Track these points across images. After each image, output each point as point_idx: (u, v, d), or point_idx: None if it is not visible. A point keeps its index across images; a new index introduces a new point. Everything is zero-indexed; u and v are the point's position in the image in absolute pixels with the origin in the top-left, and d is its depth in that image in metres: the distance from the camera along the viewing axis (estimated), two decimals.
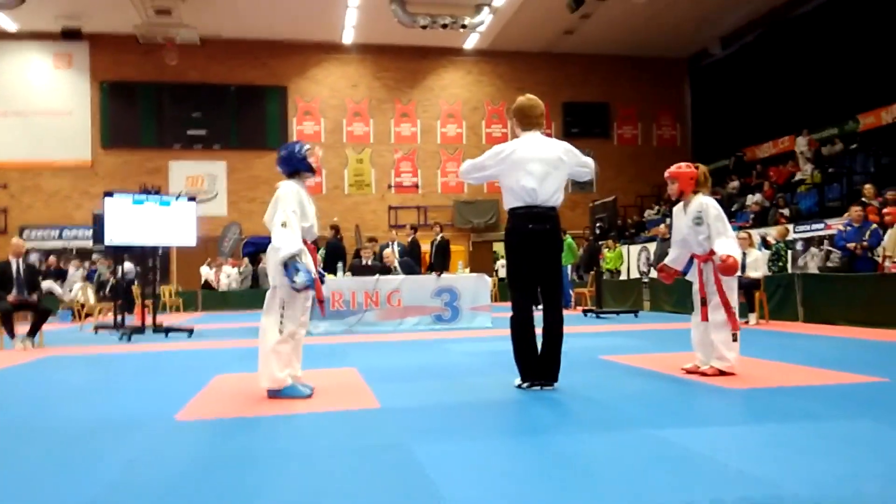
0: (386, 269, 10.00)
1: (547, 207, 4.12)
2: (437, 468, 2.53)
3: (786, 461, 2.55)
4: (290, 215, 3.94)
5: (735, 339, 4.51)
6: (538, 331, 4.16)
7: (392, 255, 10.50)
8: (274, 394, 4.00)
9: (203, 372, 5.34)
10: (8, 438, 3.28)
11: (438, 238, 11.35)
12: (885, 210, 9.65)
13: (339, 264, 10.37)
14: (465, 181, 4.35)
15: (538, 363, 4.13)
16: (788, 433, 2.97)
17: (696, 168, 4.78)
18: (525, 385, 4.16)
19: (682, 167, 4.82)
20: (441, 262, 10.77)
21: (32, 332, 7.95)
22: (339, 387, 4.30)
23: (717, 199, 4.86)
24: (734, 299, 4.57)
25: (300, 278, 3.79)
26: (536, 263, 4.14)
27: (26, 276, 8.11)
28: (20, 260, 8.14)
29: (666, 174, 4.84)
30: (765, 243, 11.35)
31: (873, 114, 15.35)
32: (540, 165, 4.09)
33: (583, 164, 4.37)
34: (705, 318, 4.61)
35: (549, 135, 4.41)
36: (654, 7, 17.85)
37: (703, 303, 4.65)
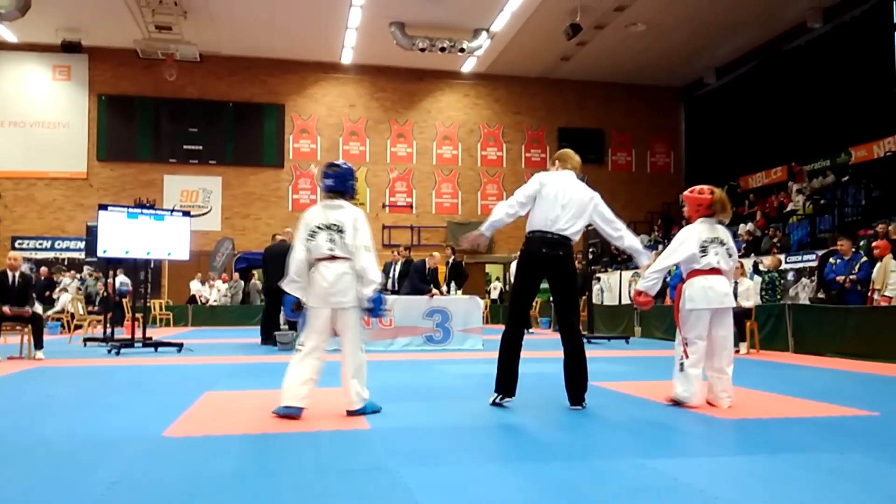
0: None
1: (561, 235, 4.30)
2: (424, 492, 2.52)
3: (775, 493, 2.55)
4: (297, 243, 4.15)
5: (681, 369, 4.39)
6: (559, 354, 4.37)
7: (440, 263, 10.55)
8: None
9: (192, 388, 5.30)
10: None
11: (451, 259, 11.45)
12: (873, 244, 9.70)
13: None
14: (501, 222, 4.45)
15: (567, 387, 4.32)
16: (778, 465, 2.98)
17: (711, 193, 4.56)
18: (498, 398, 4.33)
19: (695, 191, 4.66)
20: (457, 282, 10.82)
21: (39, 343, 8.02)
22: (329, 406, 4.28)
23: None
24: (693, 327, 4.40)
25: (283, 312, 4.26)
26: (551, 287, 4.35)
27: (20, 288, 8.18)
28: (16, 273, 8.20)
29: (681, 197, 4.86)
30: (757, 270, 11.39)
31: (865, 147, 15.54)
32: (567, 200, 4.32)
33: (612, 225, 4.52)
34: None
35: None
36: (651, 36, 18.11)
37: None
